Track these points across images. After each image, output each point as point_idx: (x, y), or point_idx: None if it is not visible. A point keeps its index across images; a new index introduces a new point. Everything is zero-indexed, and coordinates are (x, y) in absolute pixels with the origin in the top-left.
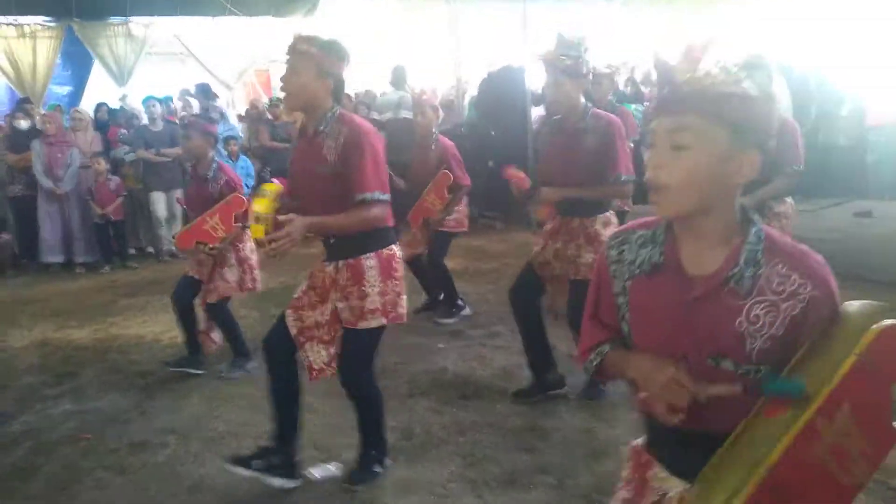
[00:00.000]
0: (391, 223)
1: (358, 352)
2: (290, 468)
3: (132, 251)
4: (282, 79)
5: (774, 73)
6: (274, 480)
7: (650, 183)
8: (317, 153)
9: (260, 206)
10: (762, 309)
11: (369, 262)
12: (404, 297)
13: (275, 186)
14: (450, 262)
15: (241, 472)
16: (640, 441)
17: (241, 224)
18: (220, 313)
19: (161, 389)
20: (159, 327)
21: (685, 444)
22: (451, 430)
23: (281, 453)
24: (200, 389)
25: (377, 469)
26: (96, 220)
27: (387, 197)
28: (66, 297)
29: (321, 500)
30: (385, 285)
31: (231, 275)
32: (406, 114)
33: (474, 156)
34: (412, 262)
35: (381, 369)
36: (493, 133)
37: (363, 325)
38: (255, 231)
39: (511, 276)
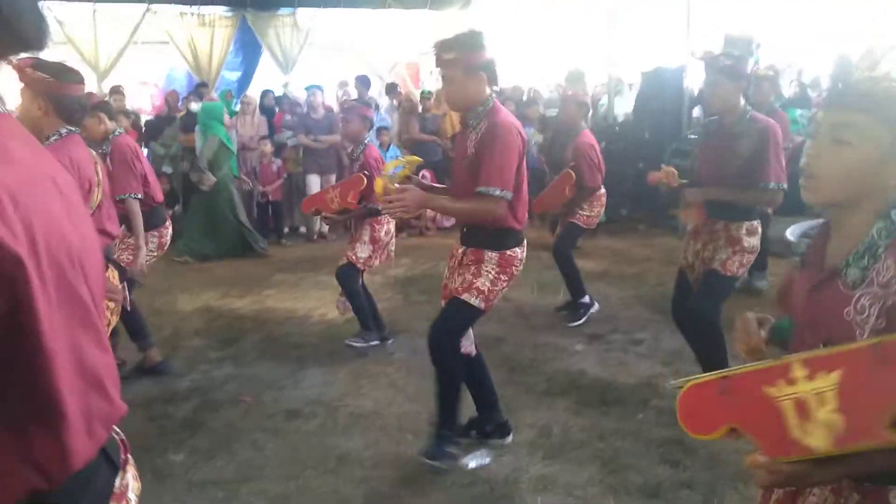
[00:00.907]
0: (519, 225)
1: (451, 318)
2: (502, 429)
3: (286, 230)
4: (442, 91)
5: None
6: (494, 441)
7: (804, 169)
8: (465, 145)
9: (392, 167)
10: (868, 300)
11: (490, 254)
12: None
13: (416, 159)
14: (591, 263)
15: (463, 439)
16: None
17: (365, 204)
18: (348, 282)
19: (312, 362)
20: (310, 303)
21: None
22: (591, 434)
23: (489, 420)
24: (347, 366)
25: (450, 449)
26: (258, 198)
27: (506, 194)
28: (227, 268)
29: (461, 488)
30: (498, 277)
31: (361, 251)
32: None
33: (624, 157)
34: (561, 263)
35: (517, 364)
36: (646, 135)
37: (466, 296)
38: (377, 185)
39: (653, 282)
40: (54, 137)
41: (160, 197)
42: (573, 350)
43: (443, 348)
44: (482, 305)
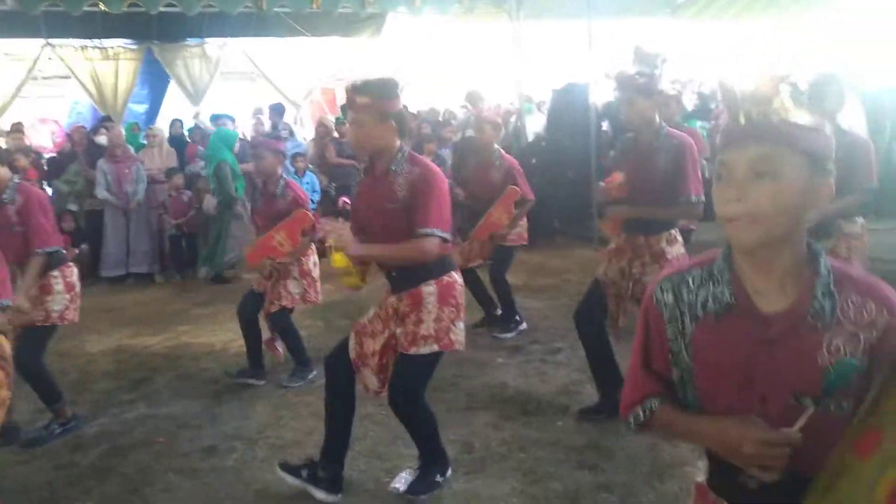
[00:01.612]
0: (447, 251)
1: (407, 376)
2: (334, 482)
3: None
4: (350, 133)
5: (846, 90)
6: (317, 493)
7: (724, 215)
8: (387, 190)
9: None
10: (842, 340)
11: (428, 288)
12: (461, 324)
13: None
14: (509, 277)
15: (289, 479)
16: (703, 478)
17: (306, 238)
18: (283, 324)
19: (230, 396)
20: (228, 335)
21: (760, 490)
22: (512, 446)
23: (328, 467)
24: (267, 397)
25: (438, 479)
26: (171, 231)
27: (446, 235)
28: (140, 306)
29: None
30: (441, 311)
31: (294, 287)
32: (472, 132)
33: (553, 170)
34: (468, 278)
35: (439, 382)
36: (567, 144)
37: (414, 350)
38: (335, 259)
39: (571, 293)
40: None
41: (56, 241)
42: (494, 364)
43: (407, 406)
44: (436, 347)
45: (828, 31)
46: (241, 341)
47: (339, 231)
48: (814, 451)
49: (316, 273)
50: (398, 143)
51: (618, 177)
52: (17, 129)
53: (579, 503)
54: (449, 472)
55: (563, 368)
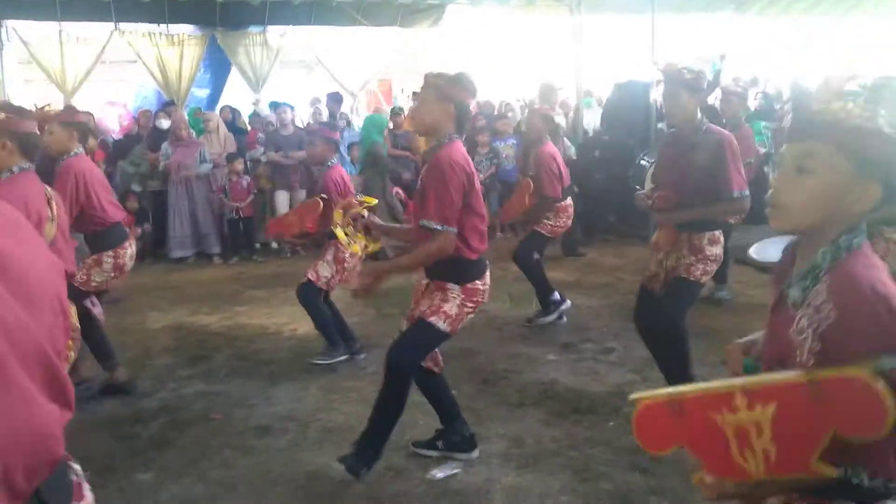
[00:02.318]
0: (475, 255)
1: (416, 339)
2: (468, 441)
3: (258, 246)
4: (412, 108)
5: None
6: (460, 455)
7: (770, 200)
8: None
9: (337, 217)
10: (806, 322)
11: (453, 286)
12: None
13: (370, 200)
14: (562, 274)
15: (427, 452)
16: None
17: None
18: (308, 300)
19: (283, 378)
20: (282, 319)
21: None
22: (563, 444)
23: (455, 430)
24: (319, 381)
25: (363, 472)
26: (230, 215)
27: (448, 229)
28: (198, 286)
29: (432, 500)
30: (464, 304)
31: (324, 269)
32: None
33: (609, 166)
34: (526, 271)
35: (490, 376)
36: (631, 142)
37: (433, 319)
38: (339, 235)
39: (624, 291)
40: (5, 175)
41: (118, 216)
42: (545, 360)
43: (402, 367)
44: (448, 329)
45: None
46: (294, 324)
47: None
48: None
49: (350, 264)
50: (451, 128)
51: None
52: (87, 114)
53: None
54: (365, 470)
55: (616, 368)
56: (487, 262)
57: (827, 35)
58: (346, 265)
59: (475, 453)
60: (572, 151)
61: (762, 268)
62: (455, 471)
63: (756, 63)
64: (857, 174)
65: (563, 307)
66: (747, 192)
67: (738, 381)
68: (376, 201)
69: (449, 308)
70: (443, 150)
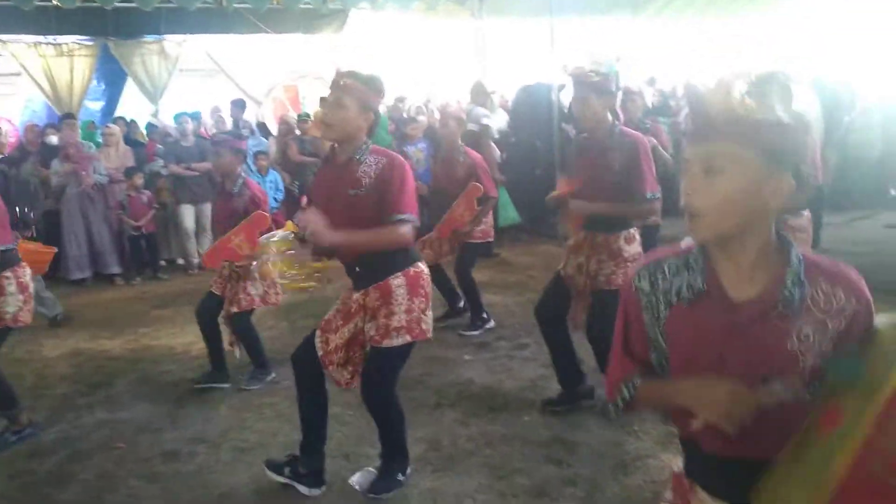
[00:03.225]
0: (412, 243)
1: (381, 370)
2: (316, 477)
3: (163, 263)
4: (325, 112)
5: (795, 85)
6: (301, 488)
7: (686, 209)
8: (350, 177)
9: (272, 251)
10: (811, 328)
11: (396, 280)
12: (430, 313)
13: (290, 227)
14: (475, 274)
15: (274, 476)
16: (679, 467)
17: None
18: (242, 325)
19: (191, 399)
20: (189, 338)
21: (726, 471)
22: (479, 442)
23: (308, 462)
24: (229, 400)
25: (399, 478)
26: (131, 232)
27: (416, 220)
28: (98, 309)
29: None
30: (411, 303)
31: (254, 289)
32: (471, 126)
33: (519, 166)
34: (433, 273)
35: (407, 380)
36: (538, 143)
37: (388, 343)
38: (268, 269)
39: (537, 289)
40: None
41: (7, 239)
42: (461, 361)
43: (381, 402)
44: (409, 338)
45: (784, 28)
46: (202, 343)
47: (314, 221)
48: (782, 434)
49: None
50: (366, 137)
51: (565, 186)
52: None
53: (546, 497)
54: (409, 470)
55: (529, 364)
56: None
57: (719, 35)
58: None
59: (319, 491)
60: (497, 155)
61: None
62: (372, 477)
63: (652, 63)
64: (768, 168)
65: (488, 326)
66: (659, 194)
67: (855, 421)
68: (297, 230)
69: (397, 321)
70: (385, 152)
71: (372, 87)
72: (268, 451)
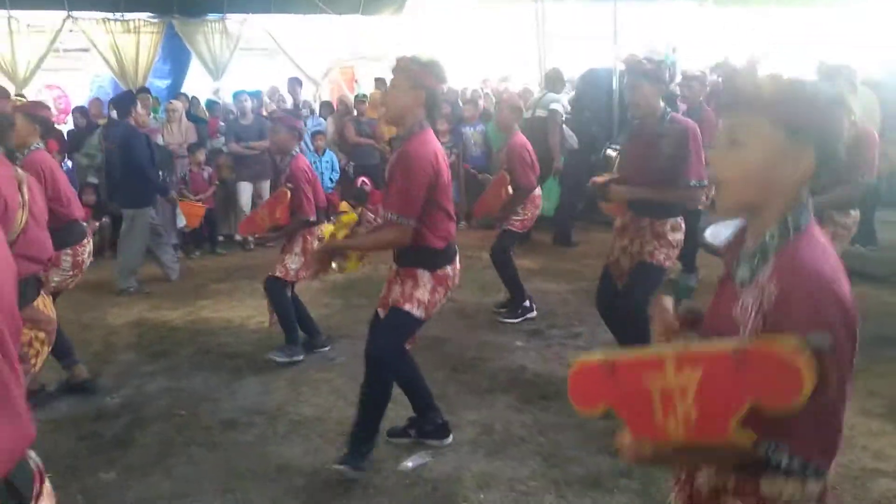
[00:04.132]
0: (442, 244)
1: (392, 327)
2: (440, 429)
3: (221, 238)
4: (384, 93)
5: (857, 82)
6: (433, 442)
7: (712, 178)
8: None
9: (331, 230)
10: (750, 300)
11: (423, 272)
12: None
13: (350, 217)
14: (529, 261)
15: (403, 440)
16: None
17: (297, 217)
18: (275, 294)
19: (249, 372)
20: (246, 312)
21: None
22: (532, 429)
23: (428, 418)
24: (286, 374)
25: (364, 465)
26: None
27: (404, 220)
28: (159, 280)
29: (403, 489)
30: (434, 289)
31: (292, 262)
32: (540, 112)
33: (577, 153)
34: (500, 269)
35: (459, 363)
36: (594, 129)
37: (408, 306)
38: (326, 230)
39: (590, 277)
40: None
41: (77, 213)
42: (514, 347)
43: (386, 358)
44: (422, 315)
45: (853, 23)
46: (259, 317)
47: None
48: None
49: None
50: (421, 115)
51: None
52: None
53: (600, 488)
54: (364, 462)
55: (582, 353)
56: (457, 247)
57: (784, 25)
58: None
59: (448, 440)
60: (574, 141)
61: (715, 251)
62: (426, 460)
63: (716, 51)
64: (790, 141)
65: (529, 315)
66: (706, 182)
67: (671, 348)
68: (355, 217)
69: (421, 294)
70: (412, 141)
71: (425, 67)
72: (323, 426)
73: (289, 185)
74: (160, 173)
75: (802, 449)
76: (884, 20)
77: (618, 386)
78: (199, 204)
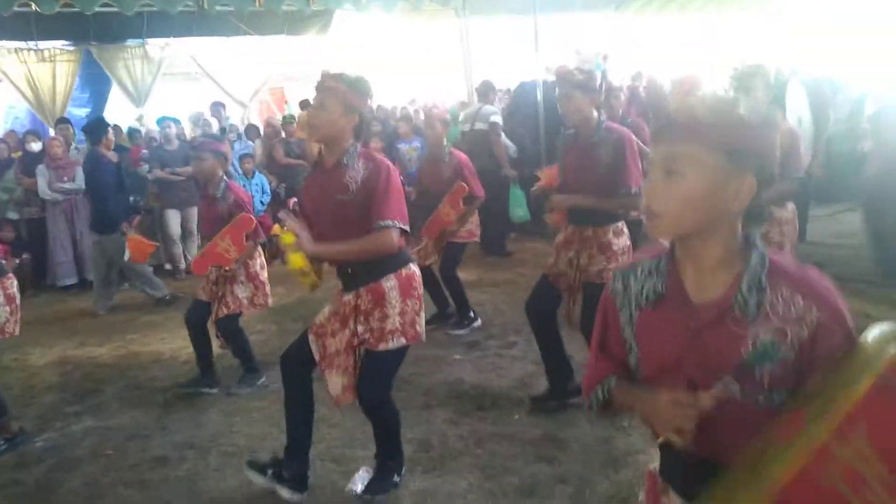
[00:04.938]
0: (402, 246)
1: (377, 373)
2: (299, 481)
3: (150, 268)
4: (310, 113)
5: (771, 81)
6: (283, 491)
7: (644, 210)
8: (338, 182)
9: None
10: (768, 334)
11: (389, 283)
12: (422, 314)
13: (287, 238)
14: (464, 273)
15: (256, 478)
16: (655, 466)
17: (252, 242)
18: (231, 329)
19: (180, 405)
20: (178, 343)
21: (697, 473)
22: (469, 442)
23: (292, 466)
24: (218, 404)
25: (395, 479)
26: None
27: (403, 226)
28: (85, 315)
29: None
30: (404, 305)
31: (241, 291)
32: (480, 125)
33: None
34: (447, 276)
35: (396, 380)
36: (526, 142)
37: (383, 346)
38: (294, 261)
39: (525, 287)
40: None
41: None
42: (451, 360)
43: (378, 405)
44: (404, 341)
45: (768, 25)
46: (191, 349)
47: (299, 229)
48: (746, 437)
49: (264, 276)
50: (352, 139)
51: (549, 174)
52: None
53: (536, 496)
54: (404, 470)
55: (518, 362)
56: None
57: (700, 31)
58: (261, 279)
59: (299, 496)
60: (513, 151)
61: None
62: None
63: (636, 59)
64: (730, 169)
65: (475, 325)
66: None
67: (814, 430)
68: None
69: (391, 324)
70: (372, 155)
71: (357, 88)
72: (257, 456)
73: (244, 211)
74: (131, 199)
75: None
76: (800, 18)
77: None
78: (150, 242)
